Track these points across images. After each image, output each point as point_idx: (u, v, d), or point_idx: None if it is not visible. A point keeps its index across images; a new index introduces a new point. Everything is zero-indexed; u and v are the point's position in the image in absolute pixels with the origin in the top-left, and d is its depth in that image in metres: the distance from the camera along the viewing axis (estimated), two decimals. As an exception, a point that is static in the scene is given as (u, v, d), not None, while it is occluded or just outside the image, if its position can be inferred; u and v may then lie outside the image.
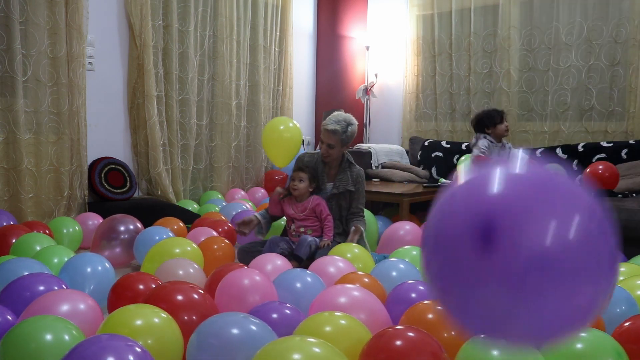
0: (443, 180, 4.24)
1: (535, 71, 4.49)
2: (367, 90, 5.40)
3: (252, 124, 5.01)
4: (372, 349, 1.34)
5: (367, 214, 3.13)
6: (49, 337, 1.35)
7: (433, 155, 4.69)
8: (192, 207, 4.13)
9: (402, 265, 2.23)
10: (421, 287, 1.86)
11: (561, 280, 0.81)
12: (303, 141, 5.46)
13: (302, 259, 2.68)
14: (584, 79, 4.26)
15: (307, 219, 2.86)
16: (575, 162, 3.99)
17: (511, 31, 4.53)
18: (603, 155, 3.86)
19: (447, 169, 4.55)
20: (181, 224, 3.21)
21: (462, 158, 4.21)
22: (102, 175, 3.77)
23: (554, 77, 4.39)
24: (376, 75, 5.49)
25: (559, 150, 4.09)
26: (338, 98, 5.71)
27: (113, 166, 3.86)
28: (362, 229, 2.88)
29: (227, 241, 2.72)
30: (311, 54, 5.89)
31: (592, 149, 3.93)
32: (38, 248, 2.44)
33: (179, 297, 1.65)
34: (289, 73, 5.38)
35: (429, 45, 5.08)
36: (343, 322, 1.48)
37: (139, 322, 1.43)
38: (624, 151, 3.80)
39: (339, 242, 2.77)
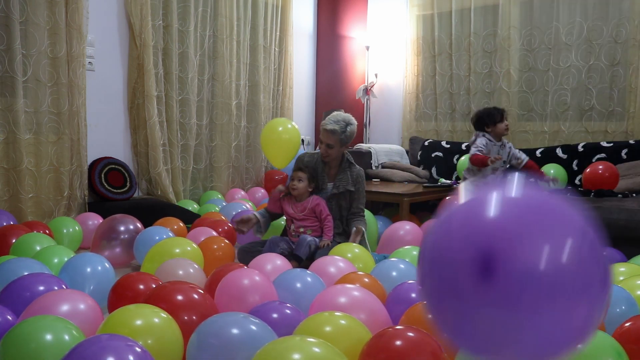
0: (443, 180, 4.24)
1: (535, 71, 4.49)
2: (367, 90, 5.40)
3: (252, 124, 5.01)
4: (372, 349, 1.34)
5: (367, 214, 3.13)
6: (49, 337, 1.35)
7: (433, 155, 4.69)
8: (192, 207, 4.13)
9: (402, 265, 2.23)
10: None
11: (556, 300, 0.83)
12: (303, 141, 5.47)
13: (301, 259, 2.68)
14: (584, 79, 4.26)
15: (306, 219, 2.86)
16: (575, 162, 3.99)
17: (511, 31, 4.53)
18: (603, 155, 3.86)
19: (447, 169, 4.56)
20: (181, 224, 3.21)
21: (462, 158, 4.21)
22: (102, 175, 3.77)
23: (554, 77, 4.39)
24: (376, 75, 5.49)
25: (559, 150, 4.09)
26: (338, 98, 5.71)
27: (113, 166, 3.86)
28: (363, 229, 2.88)
29: (227, 241, 2.72)
30: (311, 54, 5.89)
31: (592, 149, 3.94)
32: (38, 248, 2.44)
33: (179, 297, 1.65)
34: (289, 73, 5.38)
35: (429, 45, 5.08)
36: (343, 322, 1.48)
37: (139, 322, 1.42)
38: (624, 151, 3.80)
39: (339, 242, 2.77)
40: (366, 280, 1.99)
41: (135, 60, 3.98)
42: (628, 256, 2.59)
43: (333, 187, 2.94)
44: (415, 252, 2.51)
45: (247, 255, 2.73)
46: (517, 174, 0.97)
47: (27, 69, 3.32)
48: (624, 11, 4.07)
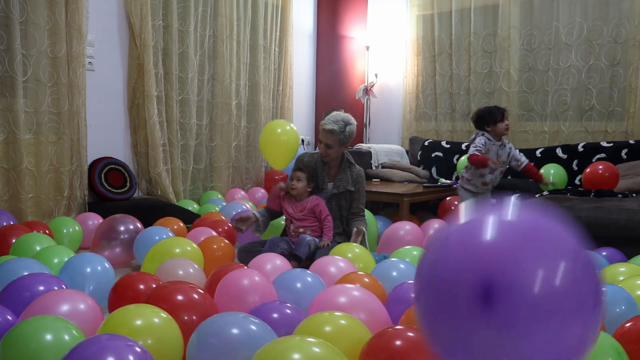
0: (443, 180, 4.24)
1: (535, 71, 4.49)
2: (367, 90, 5.40)
3: (252, 124, 5.01)
4: (372, 349, 1.34)
5: (367, 214, 3.13)
6: (49, 337, 1.35)
7: (433, 155, 4.69)
8: (192, 207, 4.14)
9: (402, 265, 2.23)
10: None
11: (551, 320, 0.87)
12: (302, 141, 5.48)
13: (301, 259, 2.68)
14: (584, 79, 4.26)
15: (306, 219, 2.86)
16: (575, 162, 4.00)
17: (511, 31, 4.53)
18: (603, 155, 3.86)
19: (447, 169, 4.56)
20: (181, 224, 3.21)
21: (462, 158, 4.21)
22: (102, 175, 3.77)
23: (554, 77, 4.39)
24: (376, 75, 5.49)
25: (559, 150, 4.09)
26: (338, 98, 5.71)
27: (113, 166, 3.86)
28: (364, 230, 2.88)
29: (227, 241, 2.72)
30: (311, 54, 5.89)
31: (592, 149, 3.94)
32: (38, 248, 2.44)
33: (179, 297, 1.65)
34: (289, 73, 5.38)
35: (429, 45, 5.08)
36: (343, 322, 1.48)
37: (139, 322, 1.42)
38: (624, 151, 3.80)
39: (339, 242, 2.77)
40: (366, 280, 1.99)
41: (135, 60, 3.98)
42: (628, 256, 2.59)
43: (333, 187, 2.94)
44: (415, 252, 2.51)
45: (247, 255, 2.73)
46: (513, 198, 1.03)
47: (27, 69, 3.32)
48: (624, 11, 4.07)
